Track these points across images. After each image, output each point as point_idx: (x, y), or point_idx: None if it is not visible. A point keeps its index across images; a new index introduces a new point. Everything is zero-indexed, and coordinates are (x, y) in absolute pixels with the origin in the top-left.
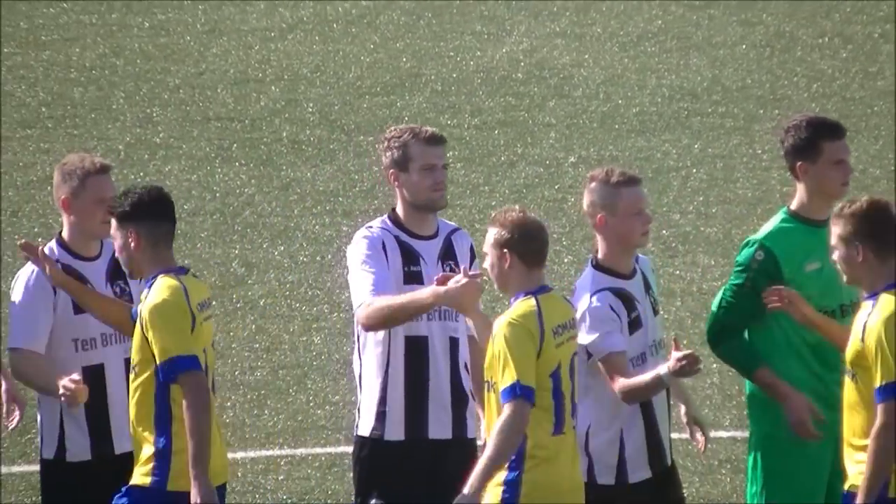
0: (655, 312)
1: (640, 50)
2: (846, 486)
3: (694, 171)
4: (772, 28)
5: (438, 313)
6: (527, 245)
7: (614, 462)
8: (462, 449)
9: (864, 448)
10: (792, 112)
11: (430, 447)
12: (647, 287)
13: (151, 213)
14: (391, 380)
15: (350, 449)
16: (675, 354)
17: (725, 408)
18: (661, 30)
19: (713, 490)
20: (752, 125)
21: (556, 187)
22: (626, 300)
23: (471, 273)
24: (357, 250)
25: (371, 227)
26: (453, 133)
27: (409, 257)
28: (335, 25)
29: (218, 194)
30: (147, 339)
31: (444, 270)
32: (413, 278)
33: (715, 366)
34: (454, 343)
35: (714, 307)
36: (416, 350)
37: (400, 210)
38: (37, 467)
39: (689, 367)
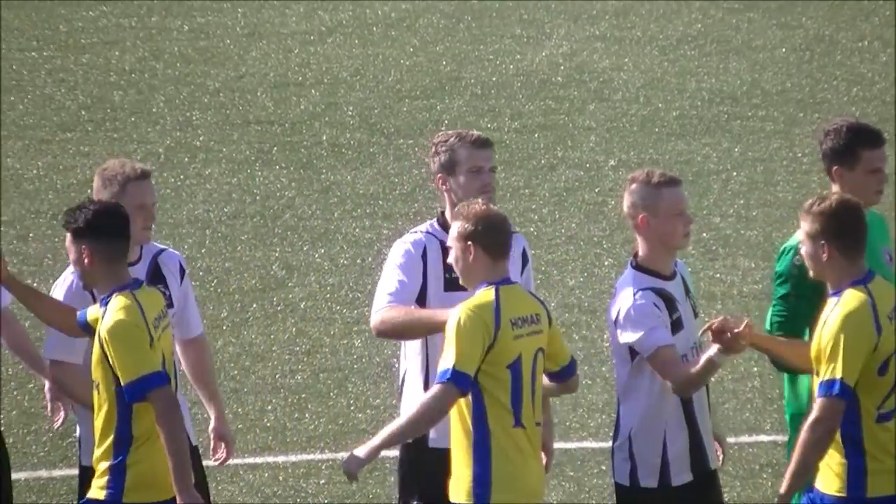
0: (696, 315)
1: (680, 53)
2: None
3: (734, 174)
4: (811, 31)
5: None
6: (491, 237)
7: (657, 464)
8: None
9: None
10: (832, 115)
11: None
12: (687, 290)
13: (105, 230)
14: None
15: (391, 453)
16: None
17: (766, 412)
18: (701, 33)
19: (754, 494)
20: (792, 128)
21: (596, 190)
22: (669, 301)
23: None
24: (394, 255)
25: (416, 231)
26: (493, 136)
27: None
28: (375, 29)
29: (258, 197)
30: (108, 358)
31: None
32: (454, 286)
33: (756, 369)
34: None
35: (767, 326)
36: None
37: (448, 214)
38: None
39: (734, 339)
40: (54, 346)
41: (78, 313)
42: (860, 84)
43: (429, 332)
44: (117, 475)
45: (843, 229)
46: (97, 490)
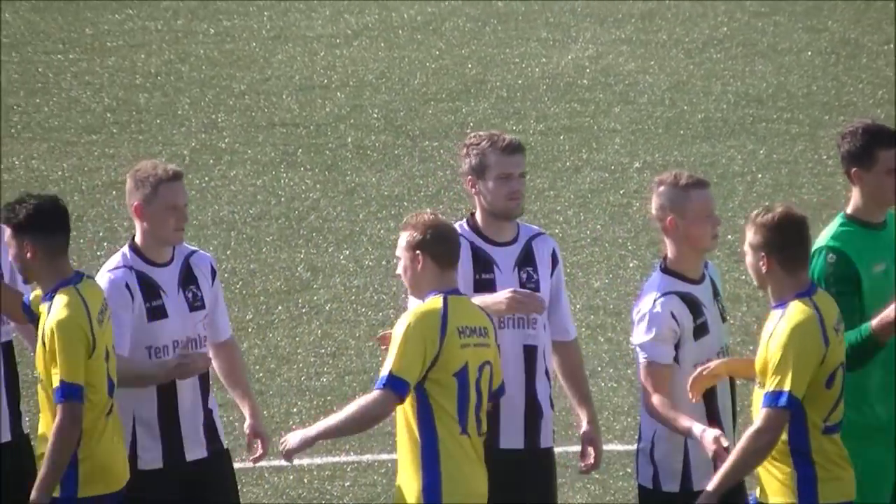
0: (724, 319)
1: (706, 56)
2: (759, 497)
3: (759, 176)
4: (837, 34)
5: (513, 321)
6: (439, 246)
7: (679, 469)
8: (535, 459)
9: (775, 458)
10: (857, 118)
11: (501, 457)
12: (716, 293)
13: (46, 225)
14: None
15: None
16: (709, 437)
17: None
18: (727, 36)
19: None
20: (818, 131)
21: (621, 192)
22: (693, 305)
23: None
24: None
25: None
26: (518, 139)
27: (482, 265)
28: (400, 32)
29: (283, 199)
30: (51, 354)
31: (520, 277)
32: (484, 286)
33: None
34: (530, 351)
35: None
36: None
37: (478, 215)
38: None
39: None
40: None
41: (23, 298)
42: (885, 86)
43: None
44: (69, 471)
45: (785, 242)
46: None
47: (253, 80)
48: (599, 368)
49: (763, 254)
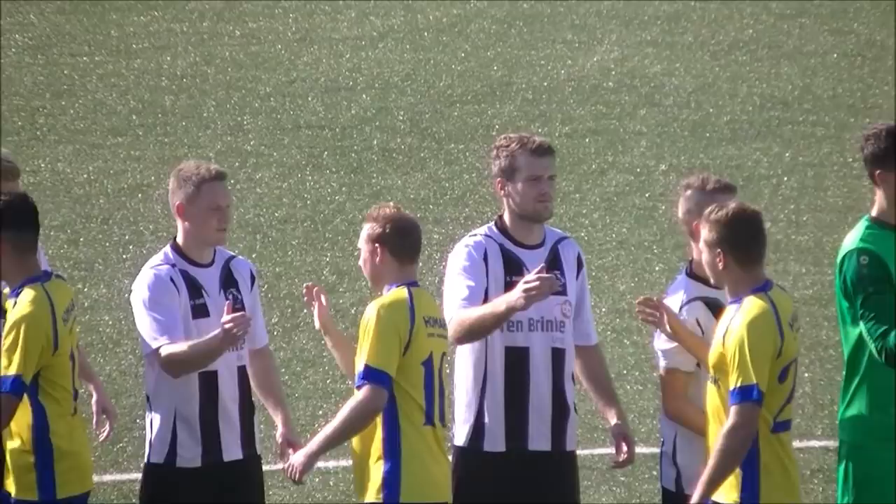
0: None
1: (732, 59)
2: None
3: (785, 179)
4: (863, 37)
5: (541, 324)
6: (399, 240)
7: (700, 472)
8: (561, 461)
9: None
10: (883, 120)
11: (529, 459)
12: None
13: (15, 222)
14: (489, 391)
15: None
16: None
17: (817, 417)
18: (753, 39)
19: (805, 500)
20: (843, 133)
21: (647, 195)
22: (717, 310)
23: (537, 273)
24: (456, 260)
25: (475, 234)
26: None
27: (512, 266)
28: (426, 34)
29: (309, 202)
30: (9, 346)
31: None
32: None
33: (807, 375)
34: (558, 354)
35: (869, 340)
36: (516, 360)
37: (507, 218)
38: (128, 476)
39: None
40: (159, 333)
41: None
42: None
43: (496, 325)
44: (45, 472)
45: (738, 239)
46: (25, 491)
47: (278, 83)
48: (625, 371)
49: (719, 250)
